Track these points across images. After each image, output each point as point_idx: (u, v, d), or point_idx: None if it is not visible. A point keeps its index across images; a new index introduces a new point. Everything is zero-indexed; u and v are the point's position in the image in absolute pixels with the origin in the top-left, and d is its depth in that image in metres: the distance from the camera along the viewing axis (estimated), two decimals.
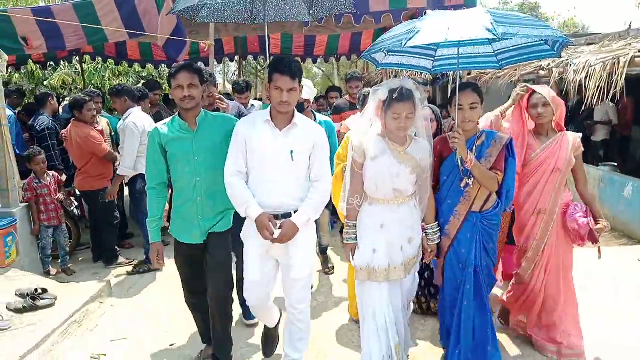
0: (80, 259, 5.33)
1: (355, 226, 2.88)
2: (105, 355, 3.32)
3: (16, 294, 3.87)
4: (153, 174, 2.95)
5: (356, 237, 2.87)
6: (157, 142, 2.88)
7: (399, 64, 3.41)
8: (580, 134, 3.23)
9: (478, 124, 3.06)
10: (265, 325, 3.28)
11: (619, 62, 6.50)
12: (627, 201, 6.40)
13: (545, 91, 3.15)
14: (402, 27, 2.84)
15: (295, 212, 2.75)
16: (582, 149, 3.20)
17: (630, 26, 9.81)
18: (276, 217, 2.73)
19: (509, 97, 5.40)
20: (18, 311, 3.67)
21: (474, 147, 2.91)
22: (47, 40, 6.17)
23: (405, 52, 3.31)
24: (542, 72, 8.58)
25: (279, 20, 5.17)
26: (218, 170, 2.82)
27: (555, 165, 3.11)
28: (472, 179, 2.88)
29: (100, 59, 10.28)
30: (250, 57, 10.86)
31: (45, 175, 4.87)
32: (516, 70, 9.51)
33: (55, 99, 6.04)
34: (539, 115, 3.14)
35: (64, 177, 5.30)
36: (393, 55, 3.28)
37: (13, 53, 6.37)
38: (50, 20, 5.92)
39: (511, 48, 3.16)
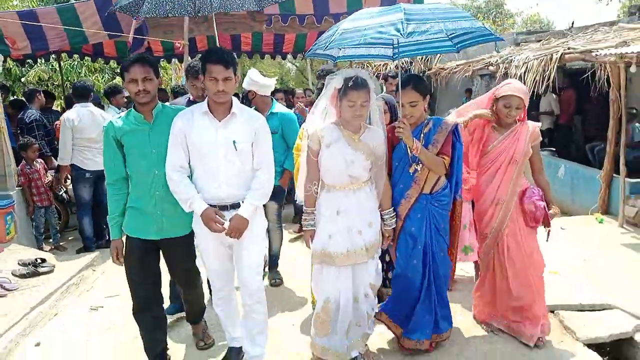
0: (69, 238, 5.90)
1: (314, 212, 2.95)
2: (102, 307, 3.94)
3: (19, 263, 4.46)
4: (110, 169, 2.86)
5: (314, 224, 2.94)
6: (112, 136, 2.80)
7: (359, 55, 3.54)
8: (539, 124, 3.30)
9: (426, 111, 3.19)
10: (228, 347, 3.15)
11: (551, 58, 7.33)
12: (560, 181, 7.29)
13: (523, 93, 3.17)
14: (333, 27, 2.98)
15: (244, 201, 2.76)
16: (541, 138, 3.27)
17: (572, 24, 10.73)
18: (224, 207, 2.74)
19: (465, 89, 6.01)
20: (22, 276, 4.27)
21: (422, 135, 3.01)
22: (32, 41, 6.65)
23: (363, 44, 3.31)
24: (491, 68, 9.37)
25: (223, 11, 5.11)
26: None
27: (512, 157, 3.18)
28: (421, 164, 2.99)
29: (77, 56, 10.71)
30: None
31: (35, 162, 5.43)
32: (469, 66, 10.35)
33: (42, 95, 6.55)
34: (509, 115, 3.19)
35: (56, 164, 5.82)
36: (347, 47, 3.33)
37: (0, 53, 6.84)
38: (35, 23, 6.39)
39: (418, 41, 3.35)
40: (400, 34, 2.56)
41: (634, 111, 7.71)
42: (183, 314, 3.53)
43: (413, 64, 11.62)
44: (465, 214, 3.51)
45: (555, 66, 7.16)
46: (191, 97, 3.77)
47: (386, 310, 3.18)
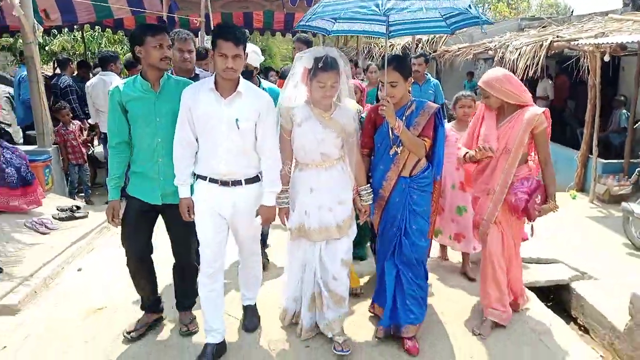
0: (97, 193, 6.63)
1: (287, 191, 2.97)
2: None
3: (57, 209, 5.20)
4: (113, 132, 2.91)
5: (288, 201, 2.97)
6: (117, 100, 2.85)
7: (351, 30, 3.53)
8: (542, 109, 3.09)
9: (410, 93, 3.16)
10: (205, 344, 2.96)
11: (541, 45, 7.84)
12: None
13: (483, 82, 3.16)
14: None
15: (246, 179, 2.80)
16: (545, 124, 3.08)
17: (572, 12, 11.14)
18: (226, 183, 2.78)
19: (467, 72, 6.33)
20: (61, 219, 5.01)
21: (404, 117, 3.00)
22: (63, 14, 7.34)
23: (355, 19, 3.36)
24: (490, 52, 9.86)
25: None
26: None
27: (505, 146, 3.12)
28: (401, 147, 2.99)
29: (98, 27, 11.35)
30: None
31: (71, 124, 6.14)
32: (471, 49, 10.83)
33: (74, 63, 7.24)
34: (487, 104, 3.22)
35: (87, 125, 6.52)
36: (342, 22, 3.36)
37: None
38: None
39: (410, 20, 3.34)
40: (379, 9, 2.58)
41: (622, 98, 8.25)
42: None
43: (419, 45, 12.08)
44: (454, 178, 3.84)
45: (545, 53, 7.67)
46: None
47: (375, 299, 3.30)
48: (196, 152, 2.82)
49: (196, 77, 3.48)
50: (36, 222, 4.80)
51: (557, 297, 4.17)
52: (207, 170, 2.79)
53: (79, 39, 12.80)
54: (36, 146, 5.81)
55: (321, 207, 2.90)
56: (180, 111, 2.76)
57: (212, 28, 2.76)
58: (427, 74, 5.71)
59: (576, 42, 6.58)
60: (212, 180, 2.79)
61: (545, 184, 3.16)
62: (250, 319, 3.27)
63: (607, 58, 6.05)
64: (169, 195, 2.90)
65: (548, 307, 3.73)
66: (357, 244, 3.78)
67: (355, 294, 3.62)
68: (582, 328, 3.78)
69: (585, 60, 6.82)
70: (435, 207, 3.26)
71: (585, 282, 4.02)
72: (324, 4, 2.87)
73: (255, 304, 3.32)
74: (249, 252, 3.08)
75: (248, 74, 3.76)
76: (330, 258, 2.97)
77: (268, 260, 4.28)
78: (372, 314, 3.36)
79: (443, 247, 4.36)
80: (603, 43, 5.96)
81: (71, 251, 4.37)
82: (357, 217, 3.12)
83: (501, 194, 3.16)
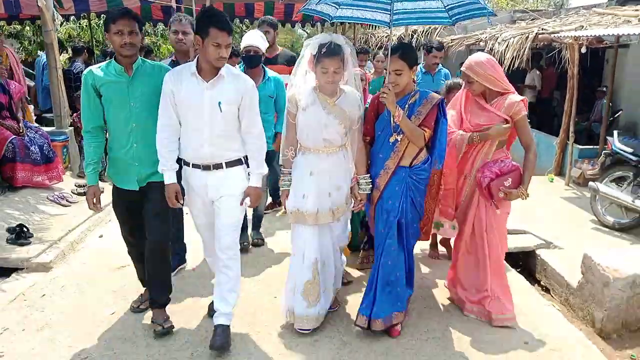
0: None
1: (290, 174, 3.04)
2: None
3: (75, 185, 5.69)
4: (87, 116, 2.90)
5: (290, 184, 3.03)
6: (90, 84, 2.83)
7: (353, 17, 3.53)
8: (520, 97, 3.17)
9: (415, 81, 3.22)
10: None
11: (527, 37, 8.30)
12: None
13: (465, 67, 3.19)
14: None
15: (226, 162, 2.82)
16: (524, 112, 3.13)
17: (562, 5, 11.57)
18: (207, 167, 2.81)
19: (460, 63, 6.50)
20: (79, 194, 5.50)
21: (407, 105, 3.01)
22: (76, 3, 7.73)
23: (358, 6, 3.35)
24: (481, 44, 10.30)
25: None
26: (154, 117, 2.82)
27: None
28: (401, 135, 2.99)
29: (103, 15, 11.73)
30: (236, 20, 12.36)
31: None
32: (464, 40, 11.26)
33: (87, 51, 7.69)
34: (469, 88, 3.25)
35: None
36: (345, 8, 3.36)
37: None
38: None
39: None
40: None
41: (604, 89, 8.72)
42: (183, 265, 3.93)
43: (415, 36, 12.49)
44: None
45: (531, 44, 8.14)
46: (174, 58, 3.77)
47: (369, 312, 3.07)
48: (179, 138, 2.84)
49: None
50: (57, 196, 5.30)
51: (525, 263, 4.68)
52: (190, 154, 2.83)
53: (85, 26, 13.17)
54: (54, 127, 6.28)
55: (320, 191, 2.97)
56: (162, 96, 2.78)
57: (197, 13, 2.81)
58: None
59: (557, 35, 7.03)
60: (195, 166, 2.83)
61: (523, 169, 3.18)
62: (221, 337, 2.84)
63: (583, 50, 6.52)
64: (145, 178, 2.92)
65: (517, 272, 4.25)
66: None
67: (344, 283, 3.62)
68: (545, 288, 4.30)
69: (565, 52, 7.30)
70: (435, 196, 3.27)
71: (550, 250, 4.53)
72: None
73: (229, 326, 2.92)
74: (227, 244, 2.89)
75: (258, 58, 3.91)
76: (326, 242, 3.08)
77: (264, 241, 4.45)
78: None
79: (434, 245, 4.37)
80: (581, 36, 6.42)
81: (92, 220, 4.88)
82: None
83: (476, 180, 3.22)
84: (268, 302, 3.53)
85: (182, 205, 2.93)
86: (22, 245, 4.16)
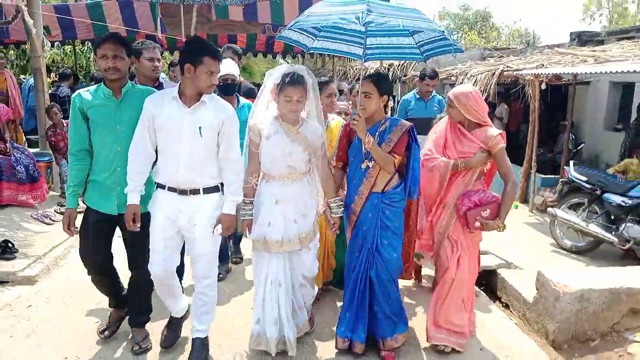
0: None
1: (252, 203, 3.03)
2: None
3: (58, 205, 5.86)
4: (74, 139, 2.92)
5: (252, 213, 3.03)
6: (78, 107, 2.87)
7: (328, 49, 3.60)
8: (499, 131, 3.22)
9: (387, 113, 3.33)
10: (170, 315, 3.21)
11: (493, 74, 8.85)
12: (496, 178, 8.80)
13: (452, 94, 3.28)
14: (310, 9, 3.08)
15: (204, 189, 2.82)
16: (502, 144, 3.18)
17: (528, 44, 12.29)
18: (184, 192, 2.80)
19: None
20: (61, 213, 5.63)
21: (377, 133, 3.08)
22: (63, 31, 8.04)
23: (334, 39, 3.48)
24: (453, 78, 10.87)
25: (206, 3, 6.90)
26: None
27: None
28: (373, 162, 3.06)
29: (88, 42, 12.01)
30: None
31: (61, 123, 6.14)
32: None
33: (72, 77, 7.93)
34: (448, 112, 3.35)
35: None
36: (322, 39, 3.45)
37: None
38: (67, 17, 7.77)
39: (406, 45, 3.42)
40: (359, 21, 2.70)
41: (566, 123, 9.28)
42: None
43: (391, 69, 13.06)
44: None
45: (497, 80, 8.68)
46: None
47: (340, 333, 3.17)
48: (155, 162, 2.87)
49: (160, 86, 3.58)
50: (41, 214, 5.47)
51: (487, 281, 4.99)
52: (166, 178, 2.82)
53: (69, 52, 13.41)
54: (39, 149, 6.45)
55: (286, 218, 2.99)
56: (140, 119, 2.78)
57: (185, 41, 2.82)
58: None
59: (520, 72, 7.56)
60: (170, 189, 2.82)
61: (501, 200, 3.20)
62: (199, 353, 3.00)
63: (543, 86, 7.04)
64: (124, 203, 2.85)
65: (480, 289, 4.53)
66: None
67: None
68: (505, 305, 4.60)
69: (528, 88, 7.83)
70: (413, 229, 3.32)
71: (510, 270, 4.86)
72: (308, 14, 3.02)
73: (206, 337, 3.06)
74: (203, 274, 2.92)
75: (234, 87, 3.99)
76: (295, 271, 3.11)
77: (242, 258, 4.53)
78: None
79: (417, 272, 4.34)
80: (541, 73, 6.94)
81: (75, 238, 4.98)
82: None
83: (455, 207, 3.24)
84: (246, 317, 3.52)
85: (138, 229, 2.84)
86: (7, 259, 4.31)
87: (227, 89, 3.96)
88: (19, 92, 7.08)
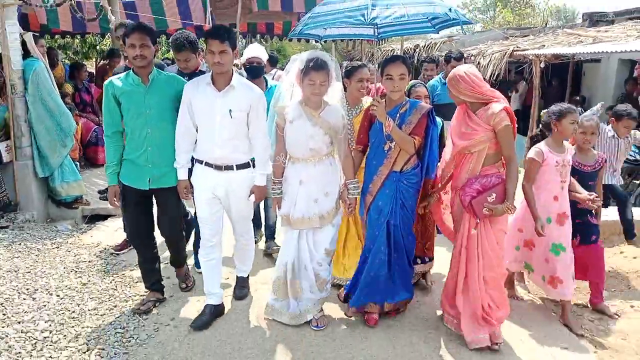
0: None
1: (281, 182, 3.21)
2: None
3: None
4: (108, 122, 3.16)
5: (281, 191, 3.21)
6: (111, 93, 3.09)
7: (341, 34, 3.78)
8: (501, 106, 2.98)
9: (406, 93, 3.33)
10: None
11: (505, 54, 9.75)
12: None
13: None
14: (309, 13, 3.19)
15: (237, 165, 3.12)
16: (507, 122, 2.95)
17: (546, 24, 12.92)
18: (219, 167, 3.10)
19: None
20: None
21: (398, 115, 3.16)
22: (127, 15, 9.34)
23: (345, 23, 3.53)
24: (472, 58, 11.70)
25: None
26: (168, 124, 3.12)
27: (464, 145, 3.10)
28: (394, 143, 3.14)
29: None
30: (258, 36, 13.98)
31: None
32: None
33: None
34: (451, 98, 3.21)
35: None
36: (333, 27, 3.55)
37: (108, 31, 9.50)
38: (133, 13, 9.06)
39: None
40: (364, 19, 2.89)
41: (578, 98, 10.10)
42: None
43: (417, 50, 13.92)
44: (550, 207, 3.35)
45: (506, 59, 9.55)
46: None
47: (354, 302, 3.32)
48: (196, 140, 3.16)
49: (200, 73, 3.64)
50: None
51: None
52: (203, 155, 3.13)
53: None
54: None
55: (309, 198, 3.13)
56: (181, 104, 3.07)
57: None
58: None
59: (523, 52, 8.49)
60: (207, 164, 3.13)
61: (505, 182, 3.00)
62: (241, 289, 3.64)
63: (542, 65, 7.97)
64: (156, 180, 3.19)
65: None
66: None
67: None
68: None
69: (532, 66, 8.74)
70: (437, 210, 3.43)
71: None
72: (313, 15, 3.20)
73: (247, 277, 3.69)
74: (241, 231, 3.44)
75: (260, 69, 4.05)
76: (316, 246, 3.24)
77: (277, 248, 4.31)
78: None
79: (511, 283, 3.82)
80: (540, 54, 7.88)
81: None
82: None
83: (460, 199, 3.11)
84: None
85: (191, 198, 3.28)
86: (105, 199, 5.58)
87: (254, 71, 4.05)
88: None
